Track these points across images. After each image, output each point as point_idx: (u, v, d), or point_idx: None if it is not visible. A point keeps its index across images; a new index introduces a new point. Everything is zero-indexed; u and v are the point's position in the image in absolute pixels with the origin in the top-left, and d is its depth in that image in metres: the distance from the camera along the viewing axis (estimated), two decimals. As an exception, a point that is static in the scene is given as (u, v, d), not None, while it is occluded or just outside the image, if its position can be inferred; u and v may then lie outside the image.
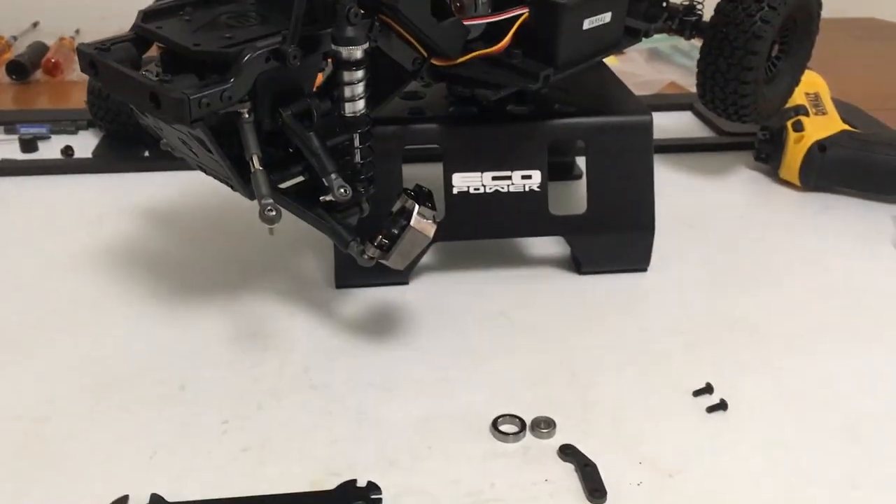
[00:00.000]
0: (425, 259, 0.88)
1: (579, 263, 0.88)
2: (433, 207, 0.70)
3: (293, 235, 0.92)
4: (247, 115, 0.66)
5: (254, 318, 0.81)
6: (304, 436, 0.67)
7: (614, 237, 0.87)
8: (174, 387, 0.72)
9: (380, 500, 0.61)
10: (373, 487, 0.62)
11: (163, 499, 0.60)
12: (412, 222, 0.67)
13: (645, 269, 0.88)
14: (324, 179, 0.68)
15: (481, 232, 0.86)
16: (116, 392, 0.71)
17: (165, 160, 1.01)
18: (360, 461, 0.64)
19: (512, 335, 0.80)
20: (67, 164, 1.08)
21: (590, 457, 0.64)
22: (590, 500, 0.61)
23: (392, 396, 0.71)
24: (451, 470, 0.64)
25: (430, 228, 0.69)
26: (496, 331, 0.80)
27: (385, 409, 0.70)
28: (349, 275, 0.85)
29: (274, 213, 0.64)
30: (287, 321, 0.80)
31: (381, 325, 0.80)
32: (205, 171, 0.76)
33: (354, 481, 0.62)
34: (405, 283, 0.86)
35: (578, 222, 0.86)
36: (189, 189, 1.03)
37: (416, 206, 0.67)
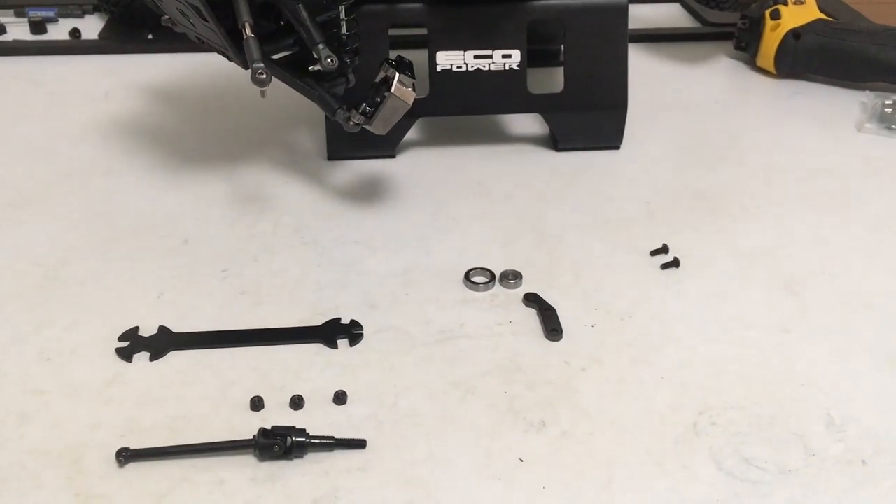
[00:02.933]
0: (410, 135, 0.94)
1: (556, 140, 0.94)
2: (412, 76, 0.75)
3: (287, 112, 0.98)
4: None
5: (251, 184, 0.88)
6: (294, 283, 0.74)
7: (589, 115, 0.92)
8: (178, 240, 0.79)
9: (361, 334, 0.69)
10: (355, 324, 0.70)
11: (169, 330, 0.69)
12: (393, 89, 0.73)
13: (618, 147, 0.94)
14: (312, 50, 0.73)
15: (463, 108, 0.92)
16: (125, 244, 0.78)
17: (168, 42, 1.08)
18: (344, 304, 0.72)
19: (488, 203, 0.86)
20: (75, 46, 1.14)
21: (551, 303, 0.72)
22: (548, 338, 0.69)
23: (374, 252, 0.79)
24: (425, 312, 0.71)
25: (409, 95, 0.74)
26: (474, 199, 0.87)
27: (368, 263, 0.77)
28: (340, 147, 0.91)
29: (264, 76, 0.69)
30: (281, 188, 0.87)
31: (367, 193, 0.87)
32: (202, 42, 0.81)
33: (339, 319, 0.70)
34: (392, 156, 0.92)
35: (555, 100, 0.91)
36: (190, 71, 1.09)
37: (397, 74, 0.73)
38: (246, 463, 0.58)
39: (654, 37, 1.18)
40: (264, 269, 0.76)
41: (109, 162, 0.90)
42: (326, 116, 0.87)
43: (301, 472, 0.58)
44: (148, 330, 0.68)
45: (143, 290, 0.73)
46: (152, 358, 0.66)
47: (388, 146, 0.91)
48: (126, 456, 0.57)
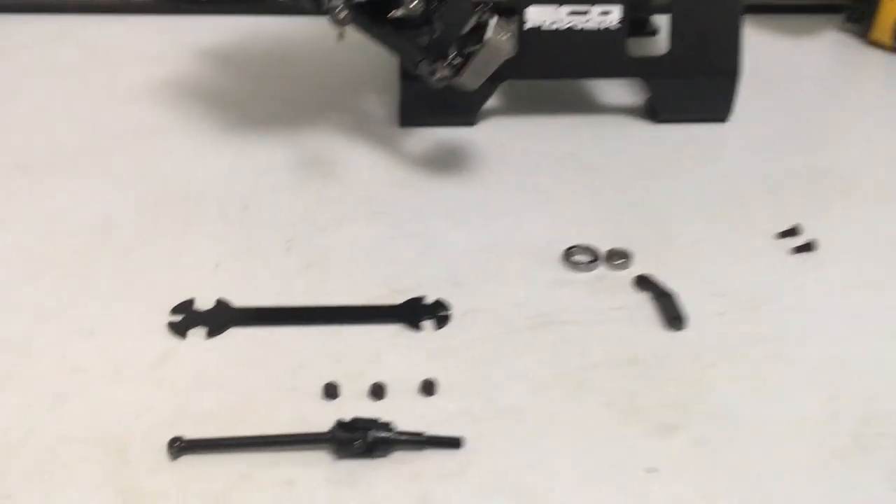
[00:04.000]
0: (491, 103, 0.84)
1: (655, 111, 0.84)
2: (509, 24, 0.66)
3: (352, 77, 0.89)
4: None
5: (314, 150, 0.78)
6: (367, 256, 0.65)
7: (695, 82, 0.81)
8: (236, 207, 0.70)
9: (447, 316, 0.60)
10: (440, 304, 0.60)
11: (229, 304, 0.60)
12: (489, 34, 0.63)
13: (724, 119, 0.83)
14: (395, -10, 0.65)
15: (554, 71, 0.82)
16: (177, 209, 0.69)
17: (227, 4, 1.00)
18: (424, 282, 0.62)
19: (581, 176, 0.76)
20: (128, 5, 1.06)
21: (667, 288, 0.62)
22: (667, 327, 0.59)
23: (455, 226, 0.69)
24: (519, 293, 0.62)
25: (506, 45, 0.64)
26: (565, 172, 0.76)
27: (449, 237, 0.67)
28: (414, 113, 0.81)
29: (343, 14, 0.60)
30: (348, 154, 0.78)
31: (445, 162, 0.77)
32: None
33: (421, 298, 0.61)
34: (471, 124, 0.82)
35: (658, 64, 0.81)
36: (249, 33, 0.99)
37: (495, 17, 0.63)
38: (319, 460, 0.49)
39: (761, 8, 1.07)
40: (333, 239, 0.67)
41: (159, 124, 0.81)
42: (402, 77, 0.78)
43: (386, 473, 0.48)
44: (204, 303, 0.59)
45: (197, 259, 0.64)
46: (210, 334, 0.57)
47: (467, 113, 0.82)
48: (179, 447, 0.48)
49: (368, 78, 0.89)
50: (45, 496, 0.47)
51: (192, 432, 0.49)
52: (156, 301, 0.59)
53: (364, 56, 0.89)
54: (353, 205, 0.71)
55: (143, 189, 0.72)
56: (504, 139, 0.81)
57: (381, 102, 0.86)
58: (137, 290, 0.61)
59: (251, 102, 0.85)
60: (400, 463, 0.49)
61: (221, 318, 0.58)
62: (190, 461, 0.48)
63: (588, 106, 0.86)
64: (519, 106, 0.85)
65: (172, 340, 0.56)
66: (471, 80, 0.65)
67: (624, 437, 0.51)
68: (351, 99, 0.87)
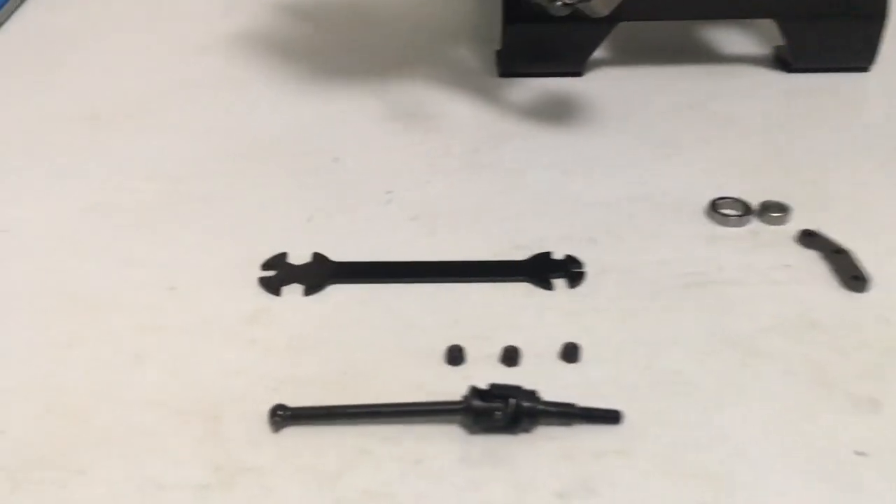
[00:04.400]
0: (599, 53, 0.76)
1: (787, 60, 0.74)
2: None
3: (443, 27, 0.80)
4: None
5: (408, 101, 0.70)
6: (479, 210, 0.56)
7: (835, 25, 0.71)
8: (326, 157, 0.62)
9: (582, 273, 0.51)
10: (572, 261, 0.52)
11: (327, 258, 0.52)
12: (624, -50, 0.55)
13: (867, 68, 0.74)
14: None
15: (676, 11, 0.72)
16: (260, 159, 0.62)
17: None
18: (549, 237, 0.54)
19: (712, 127, 0.67)
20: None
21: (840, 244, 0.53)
22: (847, 288, 0.49)
23: (576, 178, 0.60)
24: (662, 250, 0.53)
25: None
26: (690, 122, 0.67)
27: (571, 189, 0.59)
28: (516, 61, 0.72)
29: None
30: (447, 105, 0.69)
31: (555, 112, 0.68)
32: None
33: (549, 254, 0.53)
34: (578, 74, 0.74)
35: (794, 4, 0.72)
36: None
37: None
38: (451, 435, 0.40)
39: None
40: (438, 192, 0.58)
41: (236, 74, 0.74)
42: (506, 20, 0.69)
43: (533, 451, 0.40)
44: (298, 257, 0.52)
45: (286, 211, 0.56)
46: (307, 291, 0.49)
47: (575, 60, 0.73)
48: (283, 416, 0.40)
49: (458, 29, 0.81)
50: (124, 471, 0.39)
51: (293, 400, 0.42)
52: (243, 255, 0.51)
53: (451, 7, 0.82)
54: (458, 156, 0.62)
55: (222, 138, 0.64)
56: (618, 90, 0.72)
57: (475, 54, 0.77)
58: (221, 244, 0.53)
59: (334, 55, 0.77)
60: (548, 439, 0.40)
61: (319, 273, 0.50)
62: (295, 433, 0.40)
63: (708, 56, 0.77)
64: (629, 56, 0.76)
65: (265, 297, 0.48)
66: (602, 3, 0.57)
67: (818, 412, 0.42)
68: (441, 50, 0.79)
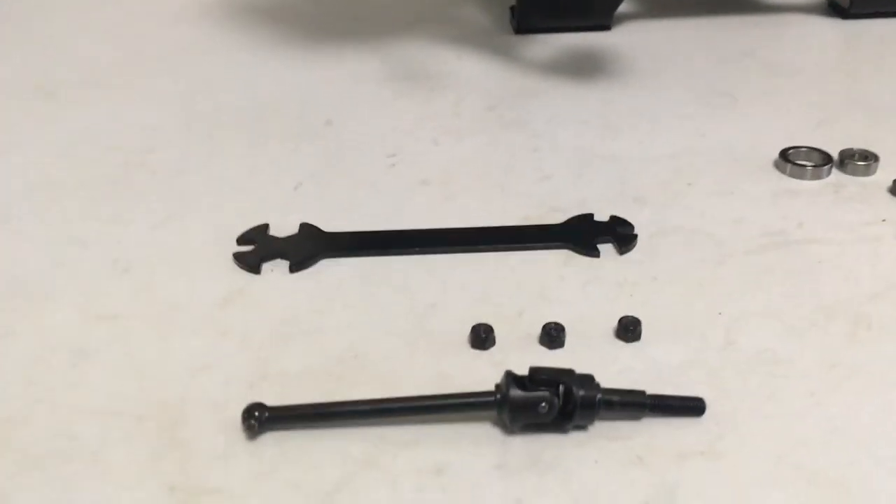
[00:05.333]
0: (627, 5, 0.67)
1: (843, 5, 0.66)
2: None
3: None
4: None
5: (413, 62, 0.61)
6: (504, 171, 0.47)
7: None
8: (318, 121, 0.52)
9: (633, 235, 0.42)
10: (620, 222, 0.42)
11: (316, 228, 0.42)
12: None
13: (937, 10, 0.66)
14: None
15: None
16: (240, 126, 0.52)
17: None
18: (590, 198, 0.44)
19: (767, 76, 0.57)
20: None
21: (942, 194, 0.44)
22: (965, 242, 0.41)
23: (618, 134, 0.51)
24: (731, 208, 0.43)
25: None
26: (743, 72, 0.58)
27: (612, 147, 0.49)
28: (534, 15, 0.63)
29: None
30: (456, 64, 0.60)
31: (583, 68, 0.59)
32: None
33: (591, 216, 0.44)
34: (607, 27, 0.65)
35: (851, -62, 0.64)
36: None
37: None
38: (482, 436, 0.30)
39: None
40: (451, 154, 0.49)
41: (215, 41, 0.65)
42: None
43: (592, 455, 0.30)
44: (283, 229, 0.43)
45: (268, 179, 0.47)
46: (293, 268, 0.39)
47: (602, 12, 0.64)
48: (260, 420, 0.30)
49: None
50: (52, 500, 0.30)
51: (274, 399, 0.32)
52: (215, 230, 0.42)
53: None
54: (473, 116, 0.53)
55: (199, 107, 0.55)
56: (654, 43, 0.62)
57: (487, 11, 0.68)
58: (190, 219, 0.43)
59: (330, 18, 0.68)
60: (610, 439, 0.30)
61: (309, 246, 0.40)
62: (276, 441, 0.30)
63: (751, 5, 0.68)
64: (663, 7, 0.67)
65: (241, 277, 0.39)
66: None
67: (962, 394, 0.33)
68: (449, 8, 0.70)
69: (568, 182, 0.46)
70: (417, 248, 0.40)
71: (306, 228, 0.42)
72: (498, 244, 0.41)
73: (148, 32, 0.67)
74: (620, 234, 0.41)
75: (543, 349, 0.35)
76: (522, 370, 0.31)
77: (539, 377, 0.30)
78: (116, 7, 0.72)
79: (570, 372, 0.31)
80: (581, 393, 0.30)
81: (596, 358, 0.34)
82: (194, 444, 0.31)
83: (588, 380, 0.31)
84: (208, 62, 0.62)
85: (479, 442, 0.30)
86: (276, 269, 0.39)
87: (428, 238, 0.41)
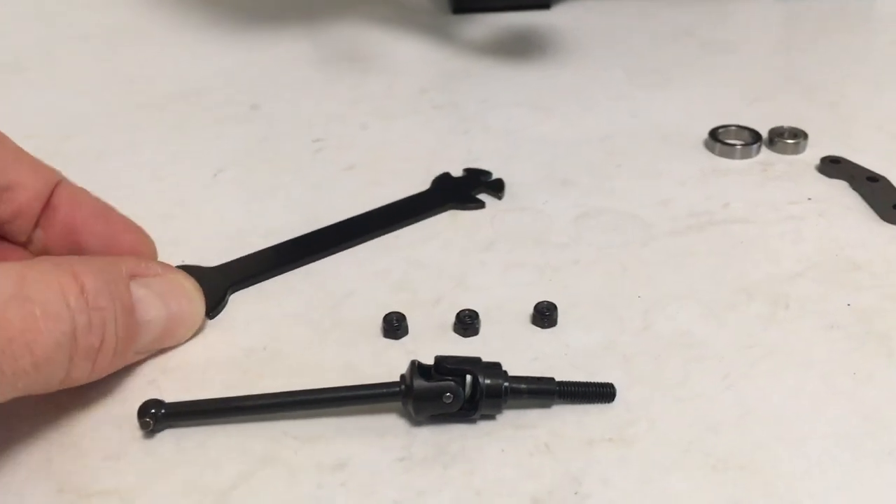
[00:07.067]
0: (568, -14, 0.66)
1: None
2: None
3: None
4: None
5: (346, 42, 0.59)
6: (431, 155, 0.45)
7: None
8: (243, 106, 0.51)
9: (499, 180, 0.41)
10: (479, 172, 0.42)
11: (198, 267, 0.40)
12: None
13: (877, -13, 0.66)
14: None
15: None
16: (162, 112, 0.51)
17: None
18: (516, 180, 0.44)
19: (704, 54, 0.57)
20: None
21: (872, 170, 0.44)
22: (888, 220, 0.40)
23: (549, 115, 0.50)
24: (658, 188, 0.42)
25: None
26: (681, 50, 0.57)
27: (543, 128, 0.49)
28: (471, -5, 0.64)
29: None
30: (391, 45, 0.59)
31: (520, 47, 0.58)
32: None
33: (448, 174, 0.42)
34: (546, 6, 0.64)
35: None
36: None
37: None
38: (387, 428, 0.30)
39: None
40: (380, 137, 0.48)
41: (146, 23, 0.63)
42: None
43: (499, 444, 0.29)
44: (201, 225, 0.40)
45: (190, 166, 0.45)
46: (210, 315, 0.35)
47: (539, -9, 0.64)
48: (156, 416, 0.29)
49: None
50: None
51: (177, 394, 0.31)
52: (131, 214, 0.40)
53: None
54: (404, 98, 0.52)
55: (120, 92, 0.53)
56: (594, 21, 0.62)
57: (426, -8, 0.68)
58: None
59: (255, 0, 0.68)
60: (518, 427, 0.30)
61: (212, 289, 0.35)
62: (174, 438, 0.29)
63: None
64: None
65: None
66: None
67: (874, 373, 0.32)
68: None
69: (495, 165, 0.45)
70: (321, 251, 0.38)
71: (205, 268, 0.37)
72: (390, 225, 0.39)
73: (75, 14, 0.65)
74: (487, 182, 0.42)
75: (458, 337, 0.34)
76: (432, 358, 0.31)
77: (444, 367, 0.30)
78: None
79: (476, 360, 0.30)
80: (487, 382, 0.29)
81: (511, 345, 0.33)
82: (86, 443, 0.30)
83: (495, 368, 0.30)
84: (137, 45, 0.60)
85: (384, 434, 0.30)
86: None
87: (326, 237, 0.39)
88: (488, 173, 0.43)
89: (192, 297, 0.33)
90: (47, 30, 0.62)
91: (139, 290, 0.31)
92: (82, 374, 0.28)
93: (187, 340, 0.34)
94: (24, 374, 0.26)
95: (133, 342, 0.30)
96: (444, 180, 0.43)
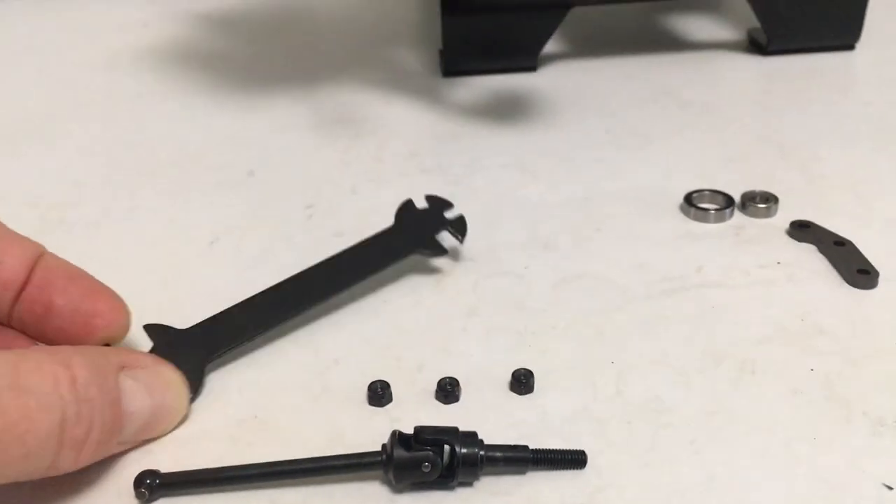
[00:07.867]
0: (553, 47, 0.69)
1: (763, 42, 0.67)
2: None
3: (375, 28, 0.74)
4: None
5: (339, 106, 0.62)
6: (418, 220, 0.50)
7: (814, 1, 0.66)
8: (240, 172, 0.53)
9: (460, 217, 0.43)
10: (440, 202, 0.44)
11: (173, 329, 0.43)
12: None
13: (852, 46, 0.67)
14: None
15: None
16: (161, 178, 0.53)
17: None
18: (500, 243, 0.46)
19: (683, 116, 0.59)
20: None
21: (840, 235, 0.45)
22: (852, 284, 0.41)
23: (533, 178, 0.52)
24: (633, 252, 0.44)
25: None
26: (661, 112, 0.60)
27: (526, 191, 0.51)
28: (461, 58, 0.65)
29: None
30: (383, 108, 0.62)
31: (507, 109, 0.61)
32: None
33: (411, 200, 0.45)
34: (532, 68, 0.67)
35: (766, -22, 0.66)
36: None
37: None
38: (370, 495, 0.31)
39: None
40: (369, 202, 0.50)
41: (143, 89, 0.66)
42: (444, 11, 0.62)
43: (475, 512, 0.32)
44: (197, 286, 0.43)
45: (186, 233, 0.47)
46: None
47: (526, 53, 0.65)
48: (152, 487, 0.31)
49: (393, 29, 0.74)
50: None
51: (172, 463, 0.33)
52: (129, 285, 0.42)
53: (390, 6, 0.75)
54: (393, 163, 0.54)
55: (117, 158, 0.56)
56: (578, 83, 0.64)
57: (417, 54, 0.70)
58: (104, 273, 0.43)
59: (255, 64, 0.69)
60: (493, 494, 0.31)
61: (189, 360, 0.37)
62: (169, 507, 0.33)
63: (674, 43, 0.70)
64: (588, 47, 0.69)
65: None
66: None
67: (835, 439, 0.34)
68: (375, 53, 0.71)
69: (478, 229, 0.46)
70: (291, 313, 0.39)
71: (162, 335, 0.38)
72: (360, 272, 0.40)
73: (79, 79, 0.68)
74: (449, 219, 0.43)
75: (439, 404, 0.36)
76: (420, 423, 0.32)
77: (423, 437, 0.31)
78: (48, 53, 0.73)
79: (454, 430, 0.32)
80: (463, 451, 0.31)
81: (489, 412, 0.35)
82: (81, 512, 0.31)
83: (471, 437, 0.32)
84: (137, 110, 0.63)
85: (366, 500, 0.31)
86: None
87: (291, 293, 0.39)
88: (450, 204, 0.44)
89: (178, 390, 0.34)
90: (56, 94, 0.65)
91: (126, 382, 0.32)
92: (66, 463, 0.30)
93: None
94: (14, 463, 0.28)
95: (117, 433, 0.32)
96: (407, 210, 0.44)
